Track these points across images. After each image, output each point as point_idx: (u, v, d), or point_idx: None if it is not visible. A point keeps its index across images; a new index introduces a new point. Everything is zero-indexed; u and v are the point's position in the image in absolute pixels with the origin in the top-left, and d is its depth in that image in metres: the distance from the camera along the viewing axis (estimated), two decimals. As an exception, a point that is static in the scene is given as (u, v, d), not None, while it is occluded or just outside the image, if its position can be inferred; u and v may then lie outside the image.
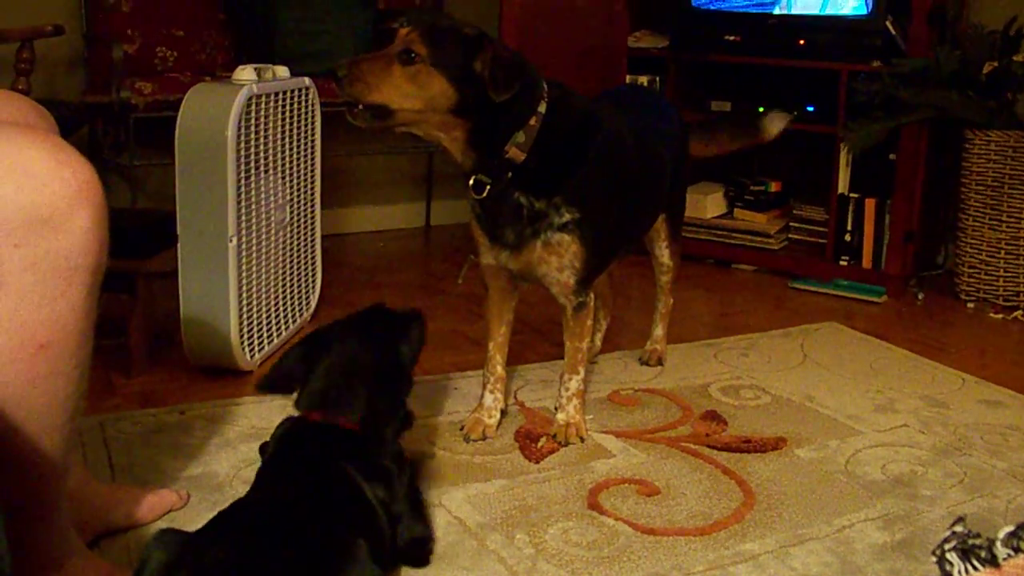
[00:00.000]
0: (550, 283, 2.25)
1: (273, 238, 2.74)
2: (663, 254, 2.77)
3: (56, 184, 1.29)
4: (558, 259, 2.19)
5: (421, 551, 1.78)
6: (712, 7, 3.97)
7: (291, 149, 2.80)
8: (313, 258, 3.07)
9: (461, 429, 2.34)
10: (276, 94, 2.67)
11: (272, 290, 2.76)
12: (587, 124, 2.19)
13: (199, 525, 1.50)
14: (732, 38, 3.90)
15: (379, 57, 2.02)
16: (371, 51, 4.19)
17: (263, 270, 2.69)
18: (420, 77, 2.01)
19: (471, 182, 2.15)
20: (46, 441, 1.40)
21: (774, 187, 4.09)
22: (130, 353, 2.64)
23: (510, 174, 2.12)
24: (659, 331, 2.87)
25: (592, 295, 2.33)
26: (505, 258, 2.23)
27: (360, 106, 2.02)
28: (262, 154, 2.62)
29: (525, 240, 2.18)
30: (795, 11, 3.81)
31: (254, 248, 2.63)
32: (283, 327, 2.86)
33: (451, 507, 1.98)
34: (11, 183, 1.27)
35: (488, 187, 2.13)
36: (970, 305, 3.54)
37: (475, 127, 2.08)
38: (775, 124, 2.96)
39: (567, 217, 2.15)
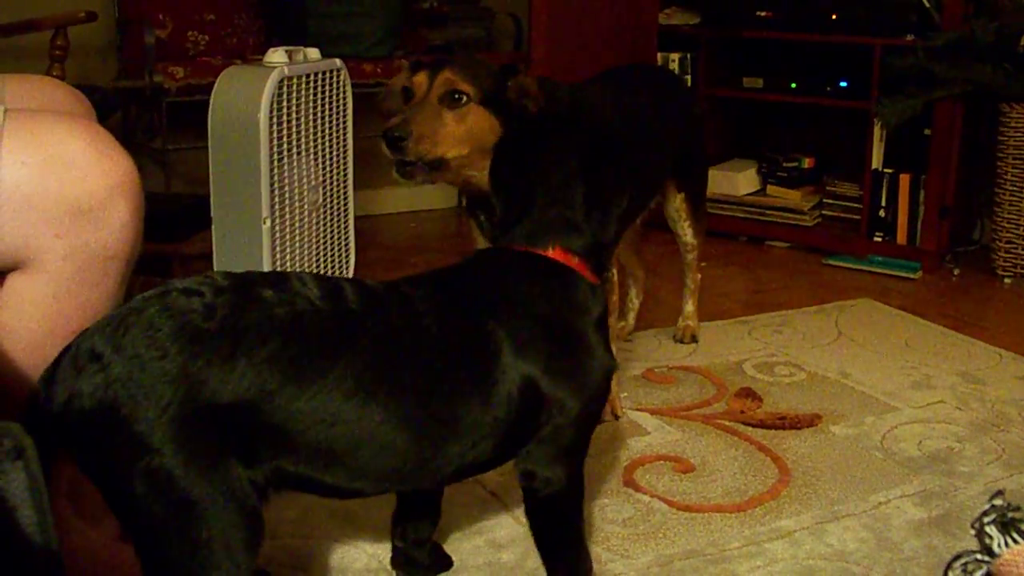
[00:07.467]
0: None
1: (306, 220, 2.75)
2: (686, 233, 2.77)
3: (97, 176, 1.30)
4: None
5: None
6: (743, -18, 3.94)
7: (323, 130, 2.81)
8: (346, 239, 3.07)
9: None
10: (307, 76, 2.67)
11: (306, 271, 2.77)
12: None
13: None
14: (764, 14, 3.87)
15: (424, 107, 1.94)
16: (397, 36, 4.08)
17: (297, 251, 2.71)
18: (470, 118, 1.96)
19: None
20: None
21: (807, 163, 4.05)
22: (167, 335, 2.66)
23: None
24: (690, 307, 2.87)
25: (614, 271, 2.35)
26: None
27: (418, 163, 1.92)
28: (294, 136, 2.63)
29: None
30: (828, -15, 3.77)
31: (288, 230, 2.64)
32: (317, 308, 2.86)
33: (487, 485, 1.99)
34: (53, 174, 1.27)
35: None
36: (1007, 280, 3.50)
37: None
38: None
39: None
